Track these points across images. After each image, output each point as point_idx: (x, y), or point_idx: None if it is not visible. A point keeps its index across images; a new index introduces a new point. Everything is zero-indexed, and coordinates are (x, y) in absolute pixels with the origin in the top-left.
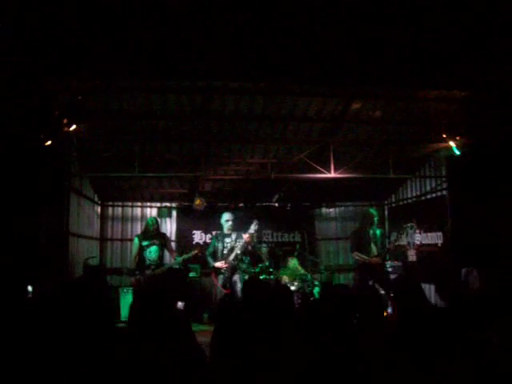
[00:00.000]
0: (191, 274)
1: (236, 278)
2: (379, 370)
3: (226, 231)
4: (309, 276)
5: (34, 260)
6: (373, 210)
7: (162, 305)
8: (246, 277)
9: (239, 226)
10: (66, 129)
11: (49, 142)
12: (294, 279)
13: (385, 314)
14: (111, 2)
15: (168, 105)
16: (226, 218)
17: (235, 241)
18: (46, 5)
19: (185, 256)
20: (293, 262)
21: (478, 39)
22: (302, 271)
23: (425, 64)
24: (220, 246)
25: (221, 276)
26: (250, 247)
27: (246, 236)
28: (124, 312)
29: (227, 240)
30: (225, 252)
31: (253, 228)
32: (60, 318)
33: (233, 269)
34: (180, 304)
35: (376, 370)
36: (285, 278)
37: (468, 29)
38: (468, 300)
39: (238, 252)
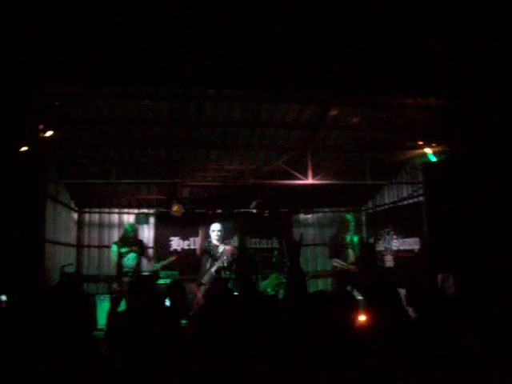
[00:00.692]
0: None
1: None
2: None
3: (214, 242)
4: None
5: (9, 268)
6: (349, 216)
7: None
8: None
9: (224, 236)
10: (42, 135)
11: (24, 148)
12: (277, 286)
13: (362, 319)
14: (88, 9)
15: (146, 111)
16: (213, 229)
17: (221, 253)
18: (21, 10)
19: (162, 263)
20: (274, 276)
21: (454, 47)
22: (284, 280)
23: (401, 71)
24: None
25: (202, 287)
26: (232, 258)
27: (228, 248)
28: (101, 320)
29: (216, 252)
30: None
31: (235, 240)
32: (36, 327)
33: (214, 280)
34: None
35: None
36: (266, 290)
37: (443, 37)
38: (443, 306)
39: (223, 265)
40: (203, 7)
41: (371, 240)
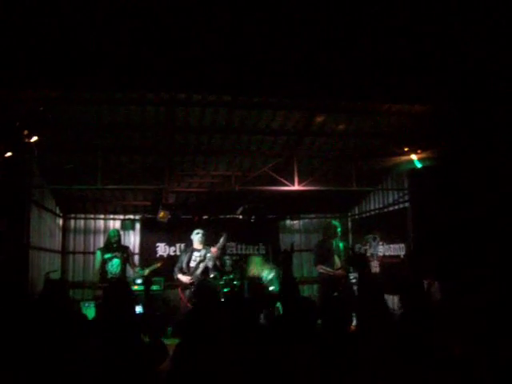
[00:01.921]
0: (154, 287)
1: None
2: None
3: (196, 246)
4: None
5: None
6: (335, 222)
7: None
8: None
9: (208, 239)
10: (26, 140)
11: (9, 154)
12: (264, 270)
13: (350, 326)
14: (74, 12)
15: (132, 116)
16: (197, 231)
17: (204, 256)
18: (5, 13)
19: (148, 268)
20: (256, 259)
21: (440, 54)
22: (271, 265)
23: (386, 78)
24: (186, 259)
25: (187, 291)
26: (217, 261)
27: (214, 250)
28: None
29: (196, 254)
30: (191, 265)
31: (222, 241)
32: (22, 334)
33: (201, 283)
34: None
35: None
36: (254, 271)
37: (429, 44)
38: (430, 311)
39: (209, 266)
40: (191, 12)
41: (357, 248)
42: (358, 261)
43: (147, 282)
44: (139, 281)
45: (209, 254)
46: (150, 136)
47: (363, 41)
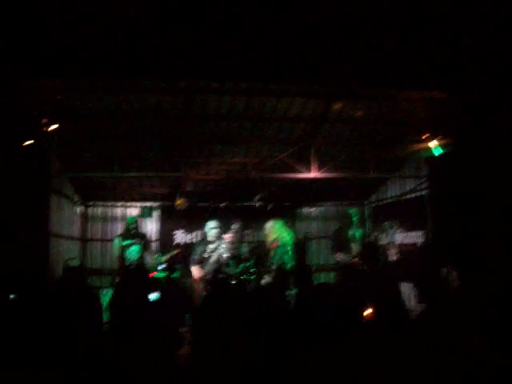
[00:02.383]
0: (175, 274)
1: None
2: (362, 369)
3: (210, 239)
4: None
5: (14, 262)
6: (351, 210)
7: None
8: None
9: (224, 228)
10: (45, 128)
11: (28, 142)
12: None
13: (366, 314)
14: (90, 2)
15: (149, 105)
16: (211, 226)
17: (217, 246)
18: (23, 5)
19: (166, 255)
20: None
21: (459, 41)
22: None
23: (406, 65)
24: (200, 250)
25: (201, 282)
26: (232, 250)
27: (227, 236)
28: (104, 313)
29: (211, 246)
30: (205, 256)
31: (234, 228)
32: (43, 320)
33: (215, 272)
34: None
35: (359, 368)
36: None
37: (448, 29)
38: (448, 300)
39: (224, 256)
40: None
41: (372, 237)
42: (370, 256)
43: (171, 268)
44: (161, 267)
45: (223, 245)
46: (168, 124)
47: (381, 26)
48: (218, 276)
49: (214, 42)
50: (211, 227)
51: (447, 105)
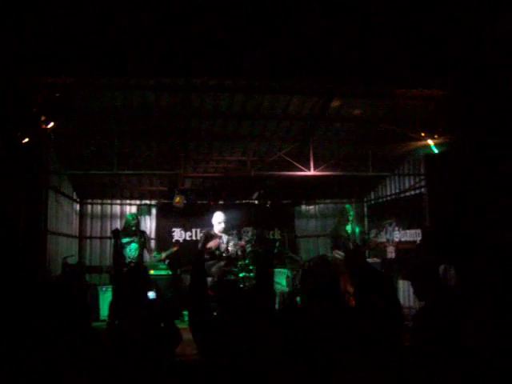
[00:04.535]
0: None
1: None
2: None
3: (216, 232)
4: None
5: (11, 259)
6: (348, 206)
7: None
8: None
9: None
10: (43, 126)
11: (26, 140)
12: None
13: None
14: (88, 1)
15: (147, 102)
16: (219, 220)
17: (227, 243)
18: (23, 5)
19: (165, 253)
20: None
21: (458, 39)
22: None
23: (405, 62)
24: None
25: (209, 278)
26: (239, 251)
27: (242, 243)
28: (103, 311)
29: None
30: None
31: (249, 232)
32: (39, 317)
33: (222, 273)
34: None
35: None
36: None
37: (446, 28)
38: (446, 297)
39: (233, 256)
40: None
41: (367, 236)
42: (349, 260)
43: (173, 265)
44: (163, 265)
45: (231, 242)
46: (166, 122)
47: (380, 25)
48: (224, 279)
49: (212, 40)
50: (218, 221)
51: (446, 102)
